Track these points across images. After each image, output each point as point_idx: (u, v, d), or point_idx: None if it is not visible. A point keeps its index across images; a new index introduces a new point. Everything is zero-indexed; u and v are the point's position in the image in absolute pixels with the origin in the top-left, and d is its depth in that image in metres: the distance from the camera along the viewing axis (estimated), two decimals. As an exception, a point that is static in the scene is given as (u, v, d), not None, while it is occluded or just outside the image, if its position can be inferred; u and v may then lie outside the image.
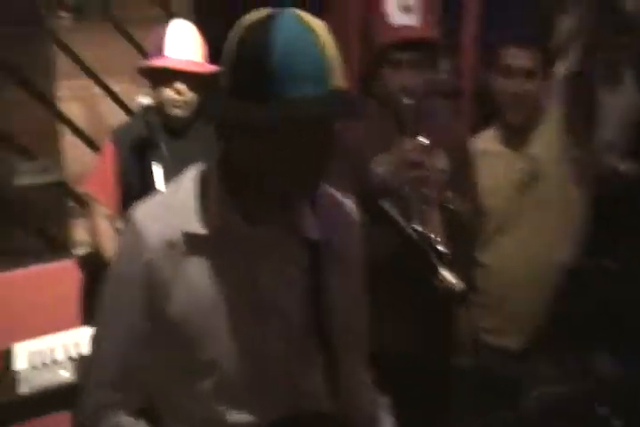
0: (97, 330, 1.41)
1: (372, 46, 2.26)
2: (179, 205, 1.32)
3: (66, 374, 2.30)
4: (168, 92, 2.54)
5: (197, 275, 1.30)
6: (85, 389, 1.41)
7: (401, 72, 2.18)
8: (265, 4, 1.27)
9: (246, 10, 1.25)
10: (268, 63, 1.15)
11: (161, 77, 2.55)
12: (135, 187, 2.67)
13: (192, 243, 1.29)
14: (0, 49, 3.16)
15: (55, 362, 2.37)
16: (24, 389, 2.24)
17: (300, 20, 1.19)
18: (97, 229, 2.74)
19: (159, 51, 2.57)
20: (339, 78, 1.19)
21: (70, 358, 2.40)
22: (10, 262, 3.27)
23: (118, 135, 2.74)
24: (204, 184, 1.33)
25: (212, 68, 2.59)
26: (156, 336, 1.31)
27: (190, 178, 1.35)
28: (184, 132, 2.64)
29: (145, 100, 2.54)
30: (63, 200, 3.43)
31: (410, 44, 2.17)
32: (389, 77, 2.20)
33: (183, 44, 2.59)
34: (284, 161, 1.20)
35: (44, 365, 2.36)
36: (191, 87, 2.55)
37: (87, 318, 2.96)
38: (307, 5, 1.41)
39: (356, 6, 3.10)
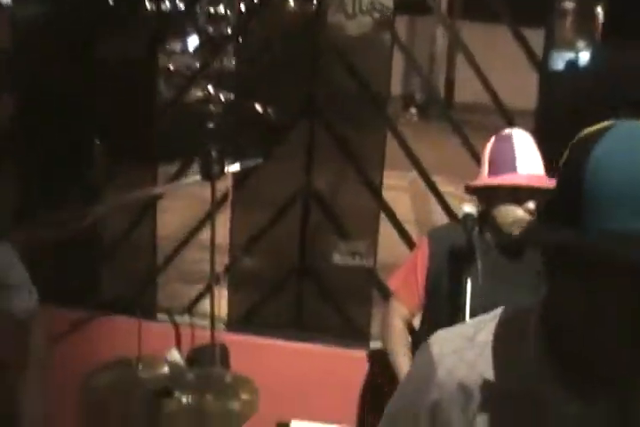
0: None
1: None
2: (481, 345, 1.10)
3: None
4: (518, 212, 2.41)
5: None
6: None
7: None
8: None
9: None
10: (577, 184, 0.94)
11: (509, 195, 2.42)
12: (441, 295, 2.61)
13: (488, 394, 1.06)
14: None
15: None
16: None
17: (635, 132, 0.96)
18: (389, 328, 2.72)
19: (509, 166, 2.45)
20: None
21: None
22: (308, 336, 3.42)
23: (436, 237, 2.71)
24: (510, 326, 1.10)
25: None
26: None
27: (495, 316, 1.13)
28: (517, 255, 2.53)
29: (469, 208, 2.44)
30: (369, 287, 3.49)
31: None
32: None
33: (533, 158, 2.47)
34: (613, 316, 0.93)
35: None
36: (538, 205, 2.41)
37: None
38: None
39: None
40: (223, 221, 3.52)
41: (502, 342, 1.09)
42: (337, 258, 3.47)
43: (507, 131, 2.54)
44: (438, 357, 1.11)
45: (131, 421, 2.06)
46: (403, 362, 2.60)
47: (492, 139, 2.54)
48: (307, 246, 3.48)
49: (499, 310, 1.14)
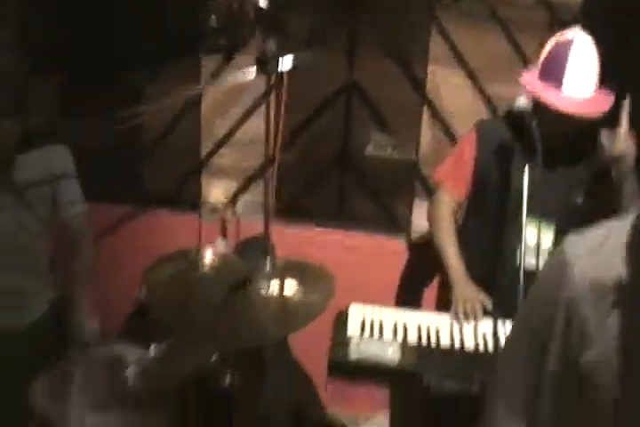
0: (505, 350, 1.42)
1: None
2: (614, 247, 1.19)
3: (393, 356, 2.40)
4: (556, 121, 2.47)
5: (618, 330, 1.16)
6: (493, 413, 1.38)
7: None
8: None
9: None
10: None
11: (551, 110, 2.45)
12: (489, 187, 2.70)
13: (622, 292, 1.15)
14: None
15: (381, 338, 2.49)
16: (352, 355, 2.38)
17: None
18: (436, 217, 2.82)
19: (557, 80, 2.45)
20: None
21: (396, 339, 2.49)
22: (348, 226, 3.54)
23: (483, 129, 2.76)
24: None
25: (604, 104, 2.47)
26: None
27: (624, 220, 1.20)
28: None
29: (523, 102, 2.49)
30: (411, 179, 3.58)
31: None
32: None
33: (585, 77, 2.45)
34: None
35: (372, 338, 2.49)
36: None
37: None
38: None
39: None
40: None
41: (637, 242, 1.16)
42: (379, 151, 3.54)
43: (568, 35, 2.48)
44: (573, 257, 1.21)
45: (206, 311, 2.16)
46: (452, 255, 2.72)
47: (552, 40, 2.51)
48: (349, 140, 3.54)
49: (629, 216, 1.21)
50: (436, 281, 3.29)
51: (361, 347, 2.40)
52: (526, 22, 3.47)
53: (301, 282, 2.10)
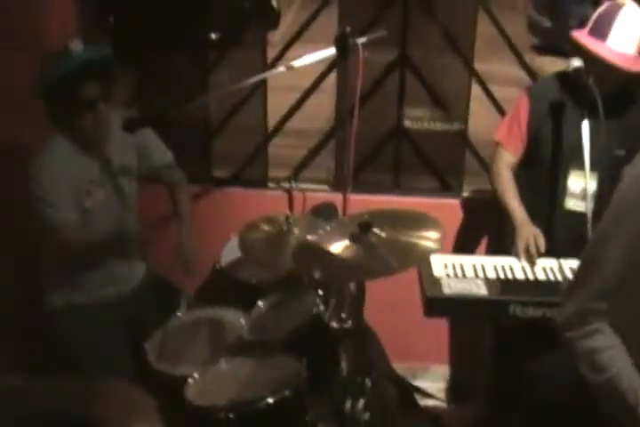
0: (599, 242, 1.85)
1: None
2: None
3: (481, 290, 2.74)
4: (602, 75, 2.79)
5: None
6: (576, 293, 1.81)
7: None
8: None
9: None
10: None
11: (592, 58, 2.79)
12: (544, 142, 3.05)
13: None
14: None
15: (466, 277, 2.83)
16: (446, 290, 2.72)
17: None
18: (498, 174, 3.17)
19: (603, 34, 2.78)
20: None
21: (479, 277, 2.84)
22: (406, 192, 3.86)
23: (533, 91, 3.12)
24: None
25: None
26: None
27: None
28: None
29: (578, 62, 2.82)
30: (461, 149, 3.93)
31: None
32: None
33: (629, 35, 2.77)
34: None
35: (457, 277, 2.83)
36: None
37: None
38: None
39: None
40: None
41: None
42: (431, 123, 3.88)
43: (621, 1, 2.82)
44: None
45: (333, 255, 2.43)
46: (514, 203, 3.07)
47: (606, 3, 2.86)
48: (404, 112, 3.86)
49: None
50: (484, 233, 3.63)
51: (452, 284, 2.74)
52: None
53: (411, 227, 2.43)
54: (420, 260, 2.48)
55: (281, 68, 2.80)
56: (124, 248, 3.19)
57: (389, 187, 3.99)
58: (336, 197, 3.59)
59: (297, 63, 2.79)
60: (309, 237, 2.57)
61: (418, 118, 3.91)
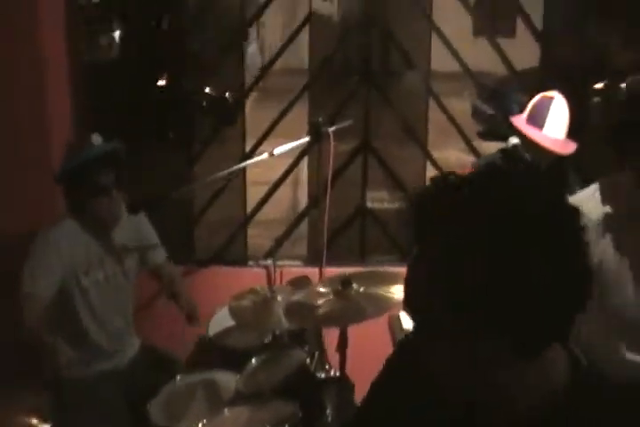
0: None
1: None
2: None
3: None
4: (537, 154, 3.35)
5: None
6: None
7: None
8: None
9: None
10: None
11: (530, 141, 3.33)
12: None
13: None
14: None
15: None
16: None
17: None
18: None
19: (540, 123, 3.33)
20: None
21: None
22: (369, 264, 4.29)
23: (479, 167, 3.63)
24: None
25: (572, 147, 3.35)
26: None
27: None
28: None
29: (515, 140, 3.39)
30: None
31: None
32: None
33: (560, 124, 3.33)
34: None
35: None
36: None
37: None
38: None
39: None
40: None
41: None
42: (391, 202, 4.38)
43: (550, 93, 3.39)
44: None
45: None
46: None
47: (539, 96, 3.42)
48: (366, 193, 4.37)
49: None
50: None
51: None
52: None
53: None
54: (393, 307, 2.90)
55: (264, 155, 3.25)
56: (120, 325, 3.49)
57: (357, 260, 4.43)
58: (309, 271, 4.00)
59: (277, 151, 3.25)
60: (297, 297, 2.97)
61: (379, 200, 4.40)
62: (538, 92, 3.47)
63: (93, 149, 3.23)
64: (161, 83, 4.28)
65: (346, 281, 2.77)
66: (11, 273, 3.15)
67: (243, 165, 3.39)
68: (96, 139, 3.25)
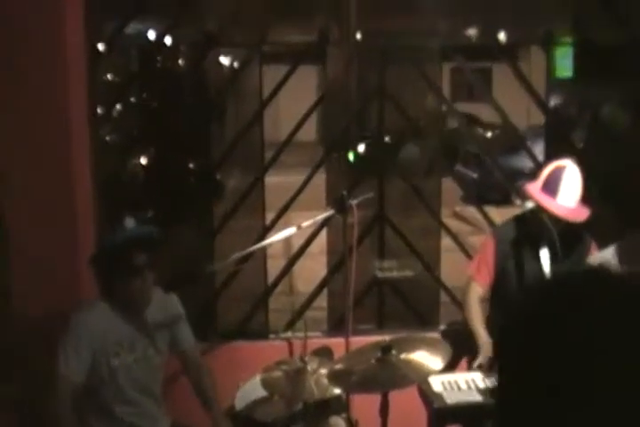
0: None
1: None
2: None
3: (476, 397, 3.27)
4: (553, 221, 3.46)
5: None
6: None
7: None
8: None
9: None
10: None
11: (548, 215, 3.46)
12: (509, 274, 3.69)
13: None
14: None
15: (460, 389, 3.36)
16: (448, 401, 3.24)
17: None
18: (468, 305, 3.75)
19: (554, 192, 3.45)
20: None
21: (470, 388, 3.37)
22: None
23: (498, 232, 3.83)
24: None
25: (585, 214, 3.49)
26: None
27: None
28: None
29: (530, 204, 3.54)
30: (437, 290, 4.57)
31: None
32: None
33: (573, 192, 3.46)
34: None
35: (453, 389, 3.36)
36: None
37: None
38: None
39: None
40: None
41: None
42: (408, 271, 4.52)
43: (564, 162, 3.54)
44: None
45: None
46: (479, 327, 3.66)
47: (552, 165, 3.58)
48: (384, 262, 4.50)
49: None
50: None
51: (452, 396, 3.27)
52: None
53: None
54: (430, 374, 2.99)
55: (292, 229, 3.37)
56: (150, 405, 3.51)
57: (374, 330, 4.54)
58: (330, 342, 4.12)
59: (304, 224, 3.38)
60: (337, 366, 3.07)
61: (387, 268, 4.53)
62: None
63: (128, 231, 3.35)
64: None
65: (386, 347, 2.87)
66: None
67: (275, 238, 3.49)
68: (129, 221, 3.37)
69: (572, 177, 3.48)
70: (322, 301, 4.63)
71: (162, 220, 3.55)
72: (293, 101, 7.45)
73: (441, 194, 4.56)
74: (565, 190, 3.45)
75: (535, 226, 3.55)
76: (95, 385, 3.33)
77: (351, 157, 5.33)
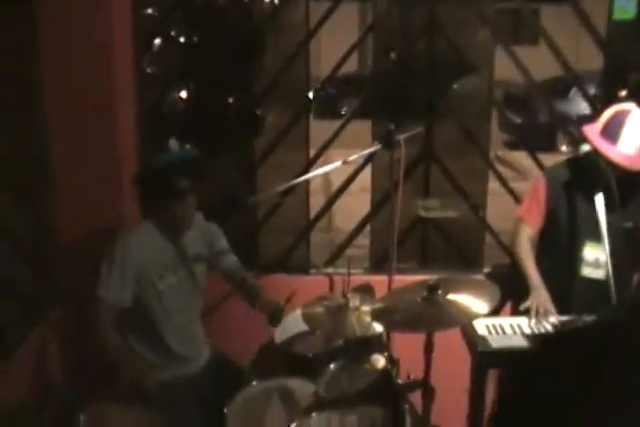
0: None
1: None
2: None
3: (522, 342, 3.23)
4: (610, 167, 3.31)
5: None
6: None
7: None
8: None
9: None
10: None
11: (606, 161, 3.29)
12: (561, 217, 3.58)
13: None
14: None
15: (506, 333, 3.31)
16: (494, 345, 3.21)
17: None
18: (519, 245, 3.64)
19: (614, 137, 3.27)
20: None
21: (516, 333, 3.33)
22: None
23: (550, 173, 3.67)
24: None
25: None
26: None
27: None
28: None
29: (587, 147, 3.39)
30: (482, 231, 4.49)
31: None
32: None
33: (635, 139, 3.26)
34: None
35: (498, 333, 3.33)
36: None
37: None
38: None
39: None
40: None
41: None
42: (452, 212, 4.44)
43: (628, 106, 3.35)
44: None
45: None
46: (531, 269, 3.56)
47: (614, 108, 3.37)
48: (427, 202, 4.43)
49: None
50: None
51: (496, 340, 3.22)
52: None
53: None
54: (477, 317, 2.93)
55: (338, 163, 3.29)
56: (194, 329, 3.56)
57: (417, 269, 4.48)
58: (371, 279, 4.10)
59: (351, 158, 3.30)
60: (380, 304, 3.02)
61: (431, 208, 4.45)
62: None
63: (173, 154, 3.29)
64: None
65: (433, 286, 2.82)
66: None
67: (321, 171, 3.39)
68: (173, 144, 3.32)
69: (635, 122, 3.29)
70: (362, 239, 4.57)
71: (200, 153, 3.46)
72: (334, 38, 7.28)
73: (490, 136, 4.41)
74: (627, 136, 3.27)
75: (591, 171, 3.41)
76: (143, 311, 3.35)
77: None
